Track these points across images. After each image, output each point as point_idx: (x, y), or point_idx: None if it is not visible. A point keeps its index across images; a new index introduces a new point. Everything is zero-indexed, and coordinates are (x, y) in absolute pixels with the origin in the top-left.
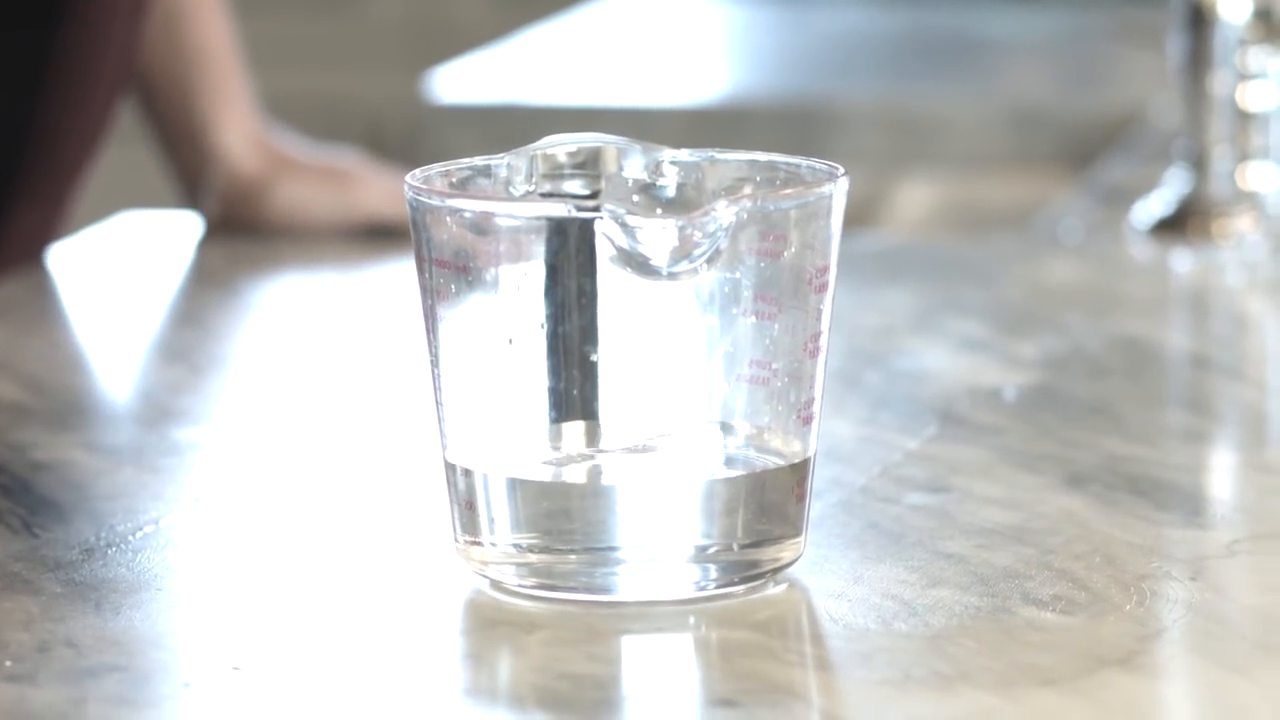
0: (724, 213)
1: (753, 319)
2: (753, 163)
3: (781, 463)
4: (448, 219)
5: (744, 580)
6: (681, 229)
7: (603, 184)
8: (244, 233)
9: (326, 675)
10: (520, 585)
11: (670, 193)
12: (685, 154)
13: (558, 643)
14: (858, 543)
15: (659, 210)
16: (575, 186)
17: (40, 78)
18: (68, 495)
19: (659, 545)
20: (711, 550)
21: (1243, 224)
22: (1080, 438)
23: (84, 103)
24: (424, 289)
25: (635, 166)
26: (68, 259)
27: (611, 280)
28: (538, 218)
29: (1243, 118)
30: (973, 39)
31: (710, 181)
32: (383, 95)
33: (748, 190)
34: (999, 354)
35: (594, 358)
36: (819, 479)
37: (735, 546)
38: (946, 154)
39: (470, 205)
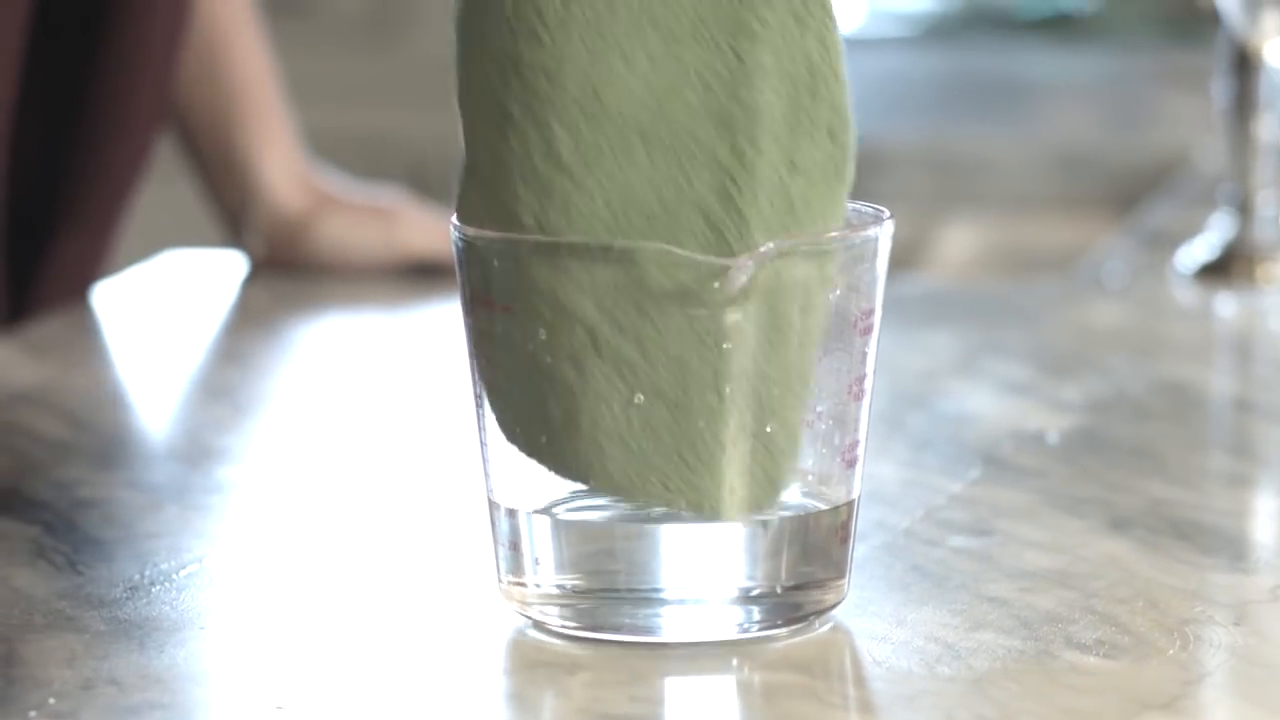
0: (773, 253)
1: None
2: None
3: (825, 505)
4: (493, 259)
5: (787, 622)
6: (731, 269)
7: None
8: (287, 270)
9: (369, 715)
10: (563, 626)
11: None
12: None
13: (600, 684)
14: (901, 585)
15: None
16: None
17: (78, 110)
18: (111, 533)
19: (702, 587)
20: (755, 592)
21: None
22: (1124, 481)
23: (122, 134)
24: (469, 329)
25: None
26: (112, 296)
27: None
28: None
29: None
30: (1017, 81)
31: None
32: (426, 133)
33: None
34: (1043, 397)
35: (638, 399)
36: (862, 521)
37: (779, 589)
38: (990, 196)
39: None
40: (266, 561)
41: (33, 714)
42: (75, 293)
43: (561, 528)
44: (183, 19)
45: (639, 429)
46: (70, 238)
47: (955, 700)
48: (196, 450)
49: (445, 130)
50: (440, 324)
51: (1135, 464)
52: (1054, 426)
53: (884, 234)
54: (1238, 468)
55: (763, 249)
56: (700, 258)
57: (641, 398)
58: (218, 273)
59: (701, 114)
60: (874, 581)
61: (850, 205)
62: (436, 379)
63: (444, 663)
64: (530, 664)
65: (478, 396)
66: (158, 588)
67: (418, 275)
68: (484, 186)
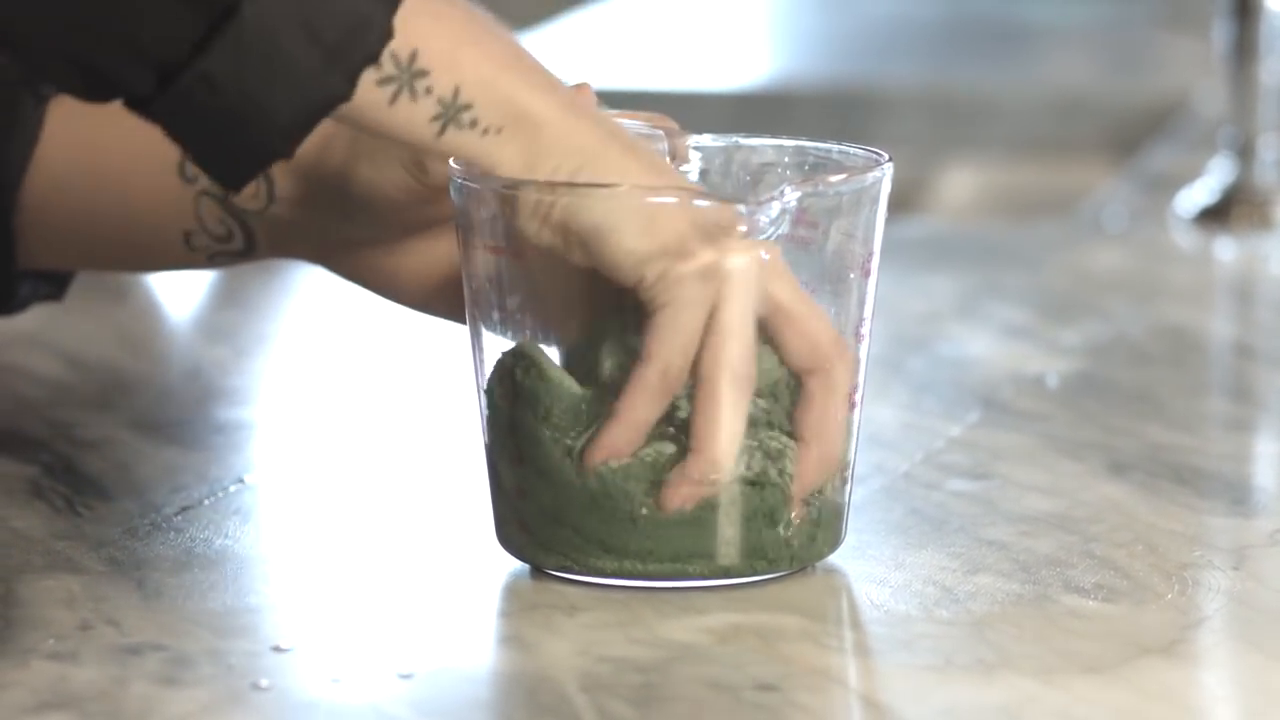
0: (791, 197)
1: None
2: (779, 147)
3: None
4: (497, 204)
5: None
6: (750, 213)
7: None
8: None
9: (367, 656)
10: (561, 569)
11: (693, 178)
12: (708, 139)
13: (598, 626)
14: (899, 529)
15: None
16: None
17: None
18: (111, 474)
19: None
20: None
21: None
22: (1123, 425)
23: None
24: (470, 273)
25: (658, 151)
26: None
27: None
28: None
29: None
30: (1017, 25)
31: (735, 166)
32: None
33: (800, 176)
34: (1042, 341)
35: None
36: (861, 465)
37: None
38: (990, 140)
39: (515, 189)
40: (265, 504)
41: (31, 655)
42: None
43: (561, 470)
44: None
45: None
46: None
47: (954, 644)
48: (197, 391)
49: None
50: None
51: (1135, 408)
52: (1053, 370)
53: (884, 178)
54: (1237, 412)
55: (779, 193)
56: (722, 199)
57: None
58: None
59: None
60: (873, 525)
61: (850, 149)
62: (437, 324)
63: (442, 605)
64: (528, 606)
65: (477, 342)
66: (157, 529)
67: None
68: None
